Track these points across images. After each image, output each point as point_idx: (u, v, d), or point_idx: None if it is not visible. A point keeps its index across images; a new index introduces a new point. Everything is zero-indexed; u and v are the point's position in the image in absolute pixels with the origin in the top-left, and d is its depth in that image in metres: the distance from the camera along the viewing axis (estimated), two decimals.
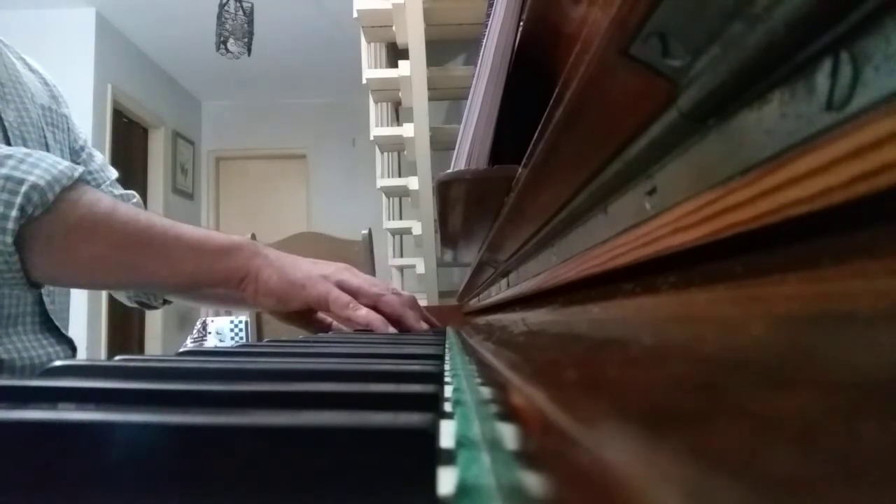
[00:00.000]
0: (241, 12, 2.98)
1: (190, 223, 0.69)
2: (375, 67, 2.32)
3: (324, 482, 0.13)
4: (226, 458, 0.13)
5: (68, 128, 0.79)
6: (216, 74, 4.25)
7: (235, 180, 4.94)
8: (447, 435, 0.18)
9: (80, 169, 0.55)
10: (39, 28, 3.39)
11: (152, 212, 0.88)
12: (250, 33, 3.01)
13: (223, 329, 2.68)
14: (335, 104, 4.65)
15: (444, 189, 0.46)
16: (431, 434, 0.13)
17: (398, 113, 2.56)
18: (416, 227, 2.24)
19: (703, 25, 0.14)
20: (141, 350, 3.98)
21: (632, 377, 0.16)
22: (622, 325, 0.21)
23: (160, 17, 3.62)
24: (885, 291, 0.09)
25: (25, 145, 0.67)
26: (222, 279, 0.63)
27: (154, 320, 4.08)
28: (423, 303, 0.80)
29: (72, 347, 0.74)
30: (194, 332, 2.70)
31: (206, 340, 2.64)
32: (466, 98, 0.48)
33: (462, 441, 0.17)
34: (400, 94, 2.15)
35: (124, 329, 3.85)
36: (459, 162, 0.46)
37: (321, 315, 0.75)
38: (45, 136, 0.72)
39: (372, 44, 2.34)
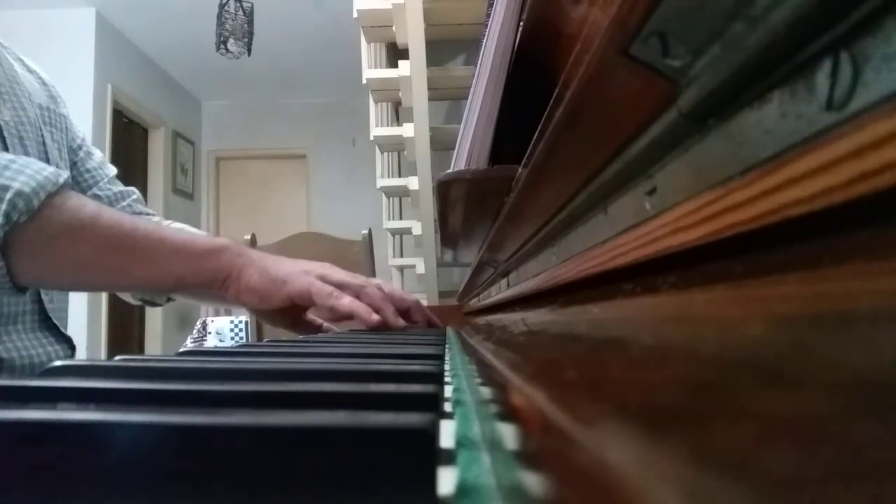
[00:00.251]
0: (241, 12, 2.98)
1: (190, 223, 0.69)
2: (375, 67, 2.32)
3: (324, 482, 0.13)
4: (225, 458, 0.13)
5: (66, 127, 0.79)
6: (216, 74, 4.25)
7: (235, 180, 4.94)
8: (447, 435, 0.18)
9: (65, 174, 0.55)
10: (39, 28, 3.39)
11: (150, 209, 0.88)
12: (250, 33, 3.02)
13: (223, 329, 2.69)
14: (335, 104, 4.65)
15: (444, 189, 0.46)
16: (431, 434, 0.13)
17: (398, 113, 2.56)
18: (416, 227, 2.24)
19: (703, 25, 0.14)
20: (141, 350, 3.98)
21: (632, 377, 0.16)
22: (622, 325, 0.21)
23: (160, 17, 3.62)
24: (885, 291, 0.09)
25: (22, 144, 0.67)
26: (207, 280, 0.64)
27: (154, 320, 4.08)
28: (423, 303, 0.80)
29: (71, 346, 0.74)
30: (194, 332, 2.70)
31: (206, 340, 2.64)
32: (466, 98, 0.48)
33: (462, 441, 0.17)
34: (400, 94, 2.15)
35: (124, 329, 3.85)
36: (459, 162, 0.46)
37: (310, 317, 0.75)
38: (42, 136, 0.72)
39: (372, 44, 2.34)
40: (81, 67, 3.46)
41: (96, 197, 0.80)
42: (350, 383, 0.21)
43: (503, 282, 0.62)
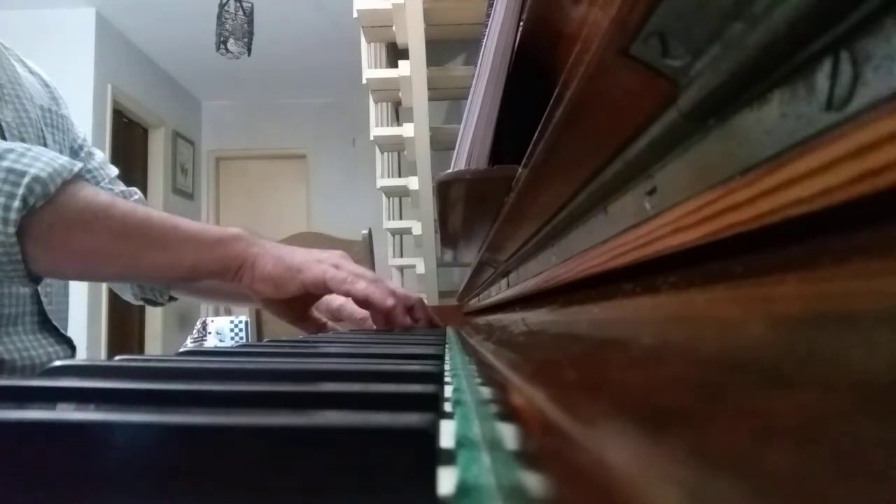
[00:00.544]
0: (241, 12, 2.98)
1: None
2: (375, 67, 2.32)
3: (324, 482, 0.13)
4: (225, 458, 0.13)
5: (67, 128, 0.79)
6: (216, 74, 4.25)
7: (235, 180, 4.94)
8: (447, 435, 0.18)
9: (80, 164, 0.55)
10: (39, 28, 3.39)
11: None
12: (250, 33, 3.01)
13: (223, 329, 2.69)
14: (335, 104, 4.65)
15: (444, 189, 0.46)
16: (431, 434, 0.13)
17: (398, 113, 2.56)
18: (416, 227, 2.23)
19: (703, 25, 0.14)
20: (141, 350, 3.98)
21: (631, 377, 0.16)
22: (622, 325, 0.21)
23: (160, 17, 3.62)
24: (885, 291, 0.09)
25: None
26: (220, 269, 0.63)
27: (154, 320, 4.08)
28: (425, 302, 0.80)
29: (71, 347, 0.74)
30: (194, 332, 2.70)
31: (206, 340, 2.64)
32: (466, 98, 0.48)
33: (462, 441, 0.17)
34: (400, 94, 2.15)
35: (124, 329, 3.85)
36: (459, 162, 0.46)
37: (316, 314, 0.75)
38: (43, 137, 0.72)
39: (372, 44, 2.34)
40: (81, 67, 3.46)
41: None
42: (350, 383, 0.21)
43: (503, 282, 0.62)
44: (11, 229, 0.50)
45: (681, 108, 0.16)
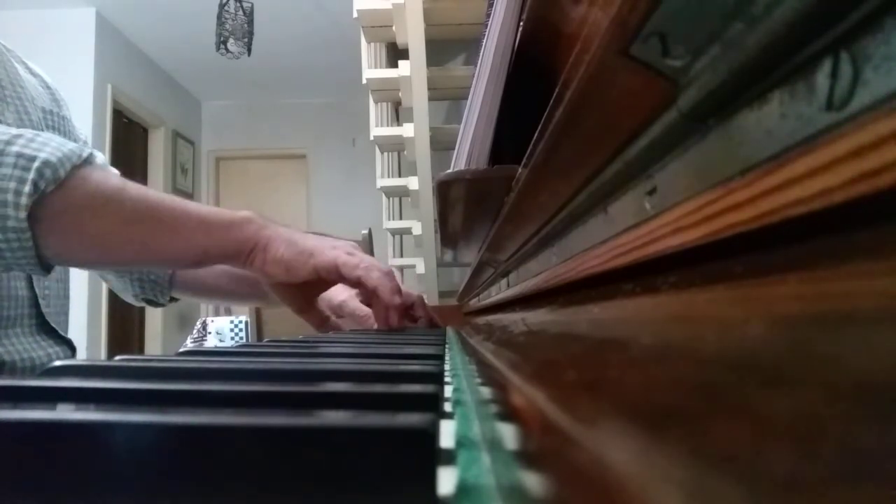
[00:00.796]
0: (241, 12, 2.98)
1: None
2: (375, 67, 2.32)
3: (324, 482, 0.13)
4: (225, 458, 0.13)
5: (69, 130, 0.79)
6: (216, 74, 4.25)
7: (235, 180, 4.94)
8: (447, 435, 0.18)
9: (89, 150, 0.55)
10: (39, 28, 3.39)
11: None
12: (250, 33, 3.01)
13: (223, 329, 2.68)
14: (335, 104, 4.65)
15: (444, 189, 0.46)
16: (431, 434, 0.13)
17: (398, 113, 2.56)
18: (416, 227, 2.23)
19: (703, 25, 0.14)
20: (141, 350, 3.98)
21: (631, 377, 0.16)
22: (622, 325, 0.21)
23: (160, 17, 3.62)
24: (885, 291, 0.09)
25: None
26: (233, 251, 0.63)
27: (154, 320, 4.08)
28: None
29: (71, 348, 0.74)
30: (194, 332, 2.70)
31: (206, 340, 2.64)
32: (466, 98, 0.49)
33: (462, 441, 0.17)
34: (400, 94, 2.15)
35: (124, 329, 3.85)
36: (459, 162, 0.46)
37: (320, 306, 0.74)
38: None
39: (372, 44, 2.34)
40: (81, 67, 3.47)
41: None
42: (350, 383, 0.21)
43: (503, 282, 0.62)
44: (23, 214, 0.49)
45: (681, 108, 0.16)
